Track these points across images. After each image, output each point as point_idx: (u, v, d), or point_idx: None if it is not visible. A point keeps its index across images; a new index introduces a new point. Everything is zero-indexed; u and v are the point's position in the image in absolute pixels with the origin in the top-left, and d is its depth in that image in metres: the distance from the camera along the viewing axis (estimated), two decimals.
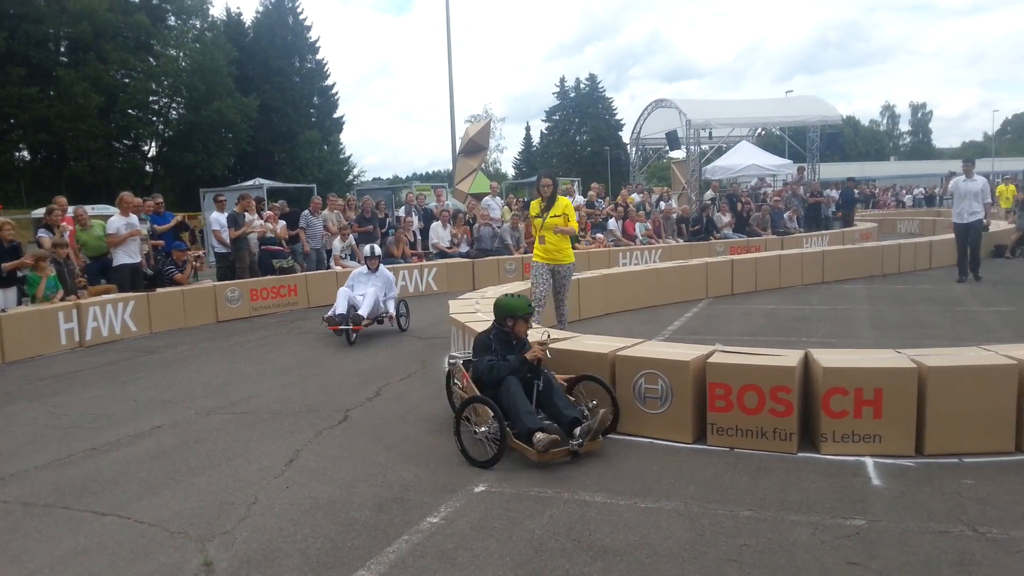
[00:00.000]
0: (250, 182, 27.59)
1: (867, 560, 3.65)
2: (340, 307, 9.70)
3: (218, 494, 4.75)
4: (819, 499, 4.38)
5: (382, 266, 10.46)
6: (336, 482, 4.88)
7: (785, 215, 20.65)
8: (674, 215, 19.52)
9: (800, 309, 11.44)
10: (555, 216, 8.21)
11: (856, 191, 30.04)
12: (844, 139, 79.05)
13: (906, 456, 4.93)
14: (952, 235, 14.04)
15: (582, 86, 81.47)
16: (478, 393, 5.35)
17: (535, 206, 8.50)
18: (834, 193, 24.20)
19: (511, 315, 5.64)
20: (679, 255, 16.44)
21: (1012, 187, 25.88)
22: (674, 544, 3.87)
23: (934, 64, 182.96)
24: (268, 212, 14.47)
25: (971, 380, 4.91)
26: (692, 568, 3.62)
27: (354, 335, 9.53)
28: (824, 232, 20.71)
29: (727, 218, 19.72)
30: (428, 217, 17.25)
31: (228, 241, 13.22)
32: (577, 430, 5.03)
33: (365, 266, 10.43)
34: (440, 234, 16.35)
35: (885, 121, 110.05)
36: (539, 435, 4.90)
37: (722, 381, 5.25)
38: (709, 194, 23.90)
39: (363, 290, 9.97)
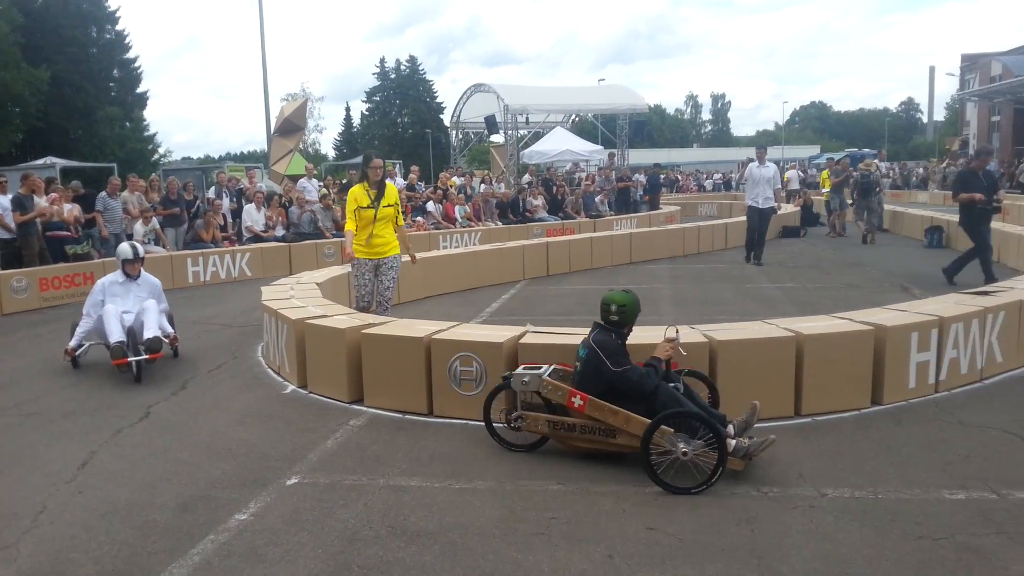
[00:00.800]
0: (41, 161, 25.27)
1: (664, 524, 3.90)
2: (115, 332, 7.08)
3: (0, 505, 4.35)
4: (623, 469, 4.62)
5: (143, 271, 7.87)
6: (135, 483, 4.60)
7: (597, 199, 21.50)
8: (493, 200, 19.81)
9: (610, 288, 11.95)
10: (388, 206, 7.30)
11: (662, 176, 31.80)
12: (652, 127, 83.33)
13: None
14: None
15: (403, 68, 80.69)
16: (614, 408, 4.54)
17: (361, 193, 7.22)
18: (642, 178, 25.44)
19: (637, 312, 4.91)
20: (498, 238, 16.71)
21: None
22: (486, 522, 3.96)
23: (732, 57, 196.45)
24: (52, 194, 13.25)
25: (756, 351, 5.34)
26: (502, 544, 3.72)
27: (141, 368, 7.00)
28: (633, 215, 21.76)
29: (537, 201, 20.25)
30: (241, 199, 16.53)
31: (12, 226, 12.05)
32: (731, 427, 4.54)
33: (120, 272, 7.70)
34: (254, 217, 15.70)
35: (689, 110, 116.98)
36: (736, 441, 4.38)
37: (534, 360, 5.39)
38: (526, 178, 24.44)
39: (129, 305, 7.49)
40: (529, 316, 9.30)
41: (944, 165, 40.82)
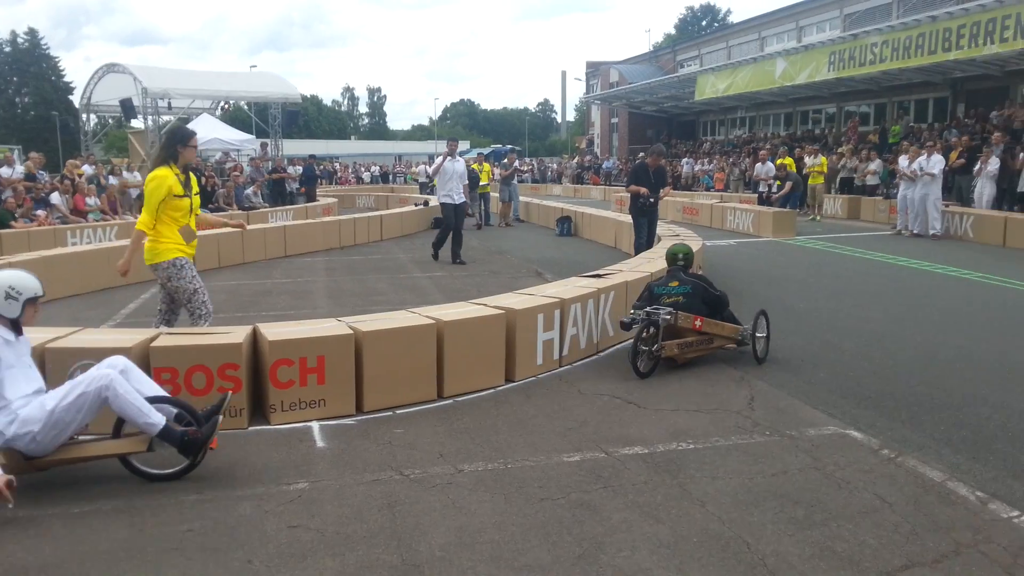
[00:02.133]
0: None
1: (307, 520, 3.87)
2: (147, 407, 4.20)
3: None
4: (266, 470, 4.50)
5: None
6: None
7: (248, 190, 20.70)
8: (133, 191, 18.18)
9: (263, 283, 11.60)
10: (196, 194, 6.15)
11: (319, 167, 31.52)
12: (308, 117, 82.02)
13: (348, 416, 5.34)
14: (412, 208, 15.47)
15: (21, 41, 70.52)
16: (717, 321, 6.67)
17: (172, 179, 5.84)
18: (297, 169, 24.97)
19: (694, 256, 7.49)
20: None
21: None
22: (111, 545, 3.62)
23: (388, 52, 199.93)
24: None
25: (399, 340, 5.50)
26: (129, 566, 3.43)
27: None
28: (289, 207, 21.29)
29: None
30: None
31: None
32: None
33: (9, 324, 4.33)
34: None
35: (346, 102, 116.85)
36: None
37: (168, 365, 5.04)
38: None
39: (30, 375, 4.39)
40: None
41: (575, 161, 45.46)
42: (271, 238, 14.63)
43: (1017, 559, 3.47)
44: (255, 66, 44.17)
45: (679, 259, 7.01)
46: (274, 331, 5.42)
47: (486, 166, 22.12)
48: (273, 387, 5.18)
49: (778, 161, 21.06)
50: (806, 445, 4.85)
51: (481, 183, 20.05)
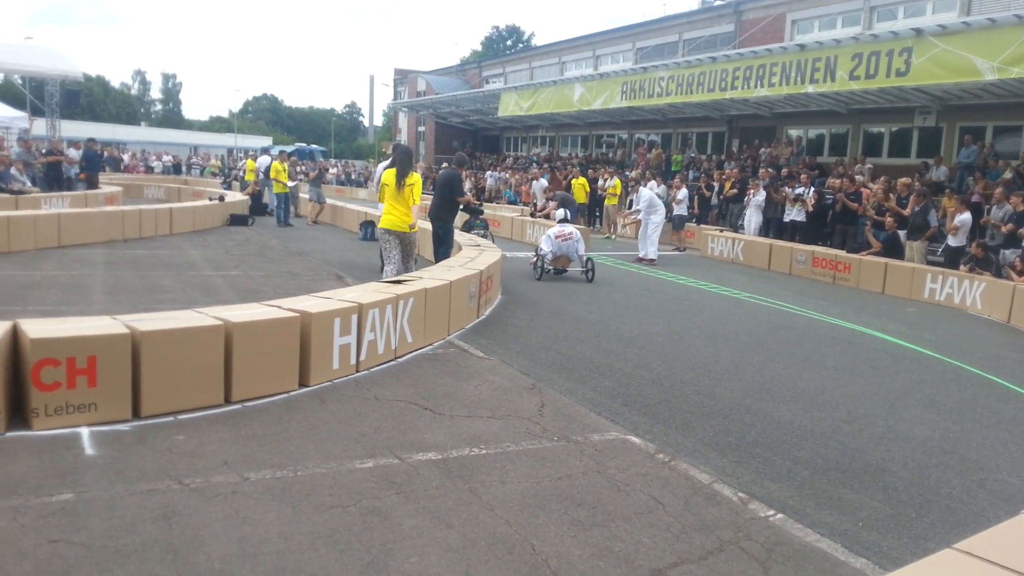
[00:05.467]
0: None
1: (70, 534, 3.56)
2: None
3: None
4: (26, 479, 4.10)
5: None
6: None
7: (12, 170, 18.78)
8: None
9: (31, 275, 10.55)
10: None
11: (104, 153, 29.21)
12: (93, 98, 75.95)
13: (123, 421, 4.96)
14: (207, 202, 14.61)
15: None
16: None
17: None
18: (77, 153, 23.01)
19: None
20: None
21: (251, 163, 28.59)
22: None
23: (184, 36, 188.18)
24: None
25: (183, 341, 5.18)
26: None
27: None
28: (66, 193, 19.56)
29: None
30: None
31: None
32: None
33: None
34: None
35: (137, 85, 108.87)
36: None
37: None
38: None
39: None
40: None
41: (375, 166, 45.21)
42: (43, 225, 13.33)
43: (771, 554, 3.84)
44: (31, 38, 40.21)
45: (479, 210, 14.97)
46: (38, 328, 4.94)
47: (275, 164, 20.46)
48: (36, 389, 4.71)
49: (573, 181, 22.12)
50: (590, 450, 5.10)
51: (279, 181, 19.45)
